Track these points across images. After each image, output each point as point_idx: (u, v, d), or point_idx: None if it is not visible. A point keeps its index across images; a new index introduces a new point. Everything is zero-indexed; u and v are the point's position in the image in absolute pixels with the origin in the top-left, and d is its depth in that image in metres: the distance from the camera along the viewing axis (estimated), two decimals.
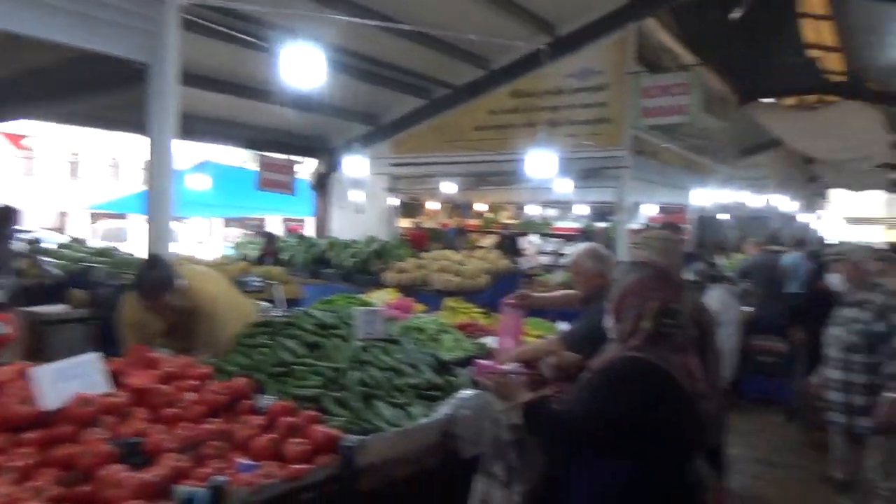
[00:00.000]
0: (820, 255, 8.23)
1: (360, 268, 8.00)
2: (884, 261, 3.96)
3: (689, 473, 1.94)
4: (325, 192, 10.55)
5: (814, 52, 11.04)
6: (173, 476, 1.78)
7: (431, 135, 9.55)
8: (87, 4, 3.59)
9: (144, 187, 4.24)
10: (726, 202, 12.65)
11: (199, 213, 15.17)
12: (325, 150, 10.24)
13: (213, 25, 5.72)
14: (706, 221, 14.64)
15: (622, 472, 1.85)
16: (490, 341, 3.68)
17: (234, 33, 6.04)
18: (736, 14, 7.89)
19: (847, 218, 30.79)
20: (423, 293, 6.92)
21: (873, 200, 27.62)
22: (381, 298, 4.99)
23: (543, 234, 12.66)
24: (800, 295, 6.98)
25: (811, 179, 19.05)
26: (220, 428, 2.11)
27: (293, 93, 5.17)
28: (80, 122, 8.36)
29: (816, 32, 10.49)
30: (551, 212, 14.06)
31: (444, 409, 2.52)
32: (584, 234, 11.25)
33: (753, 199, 13.26)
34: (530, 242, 12.42)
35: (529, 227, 13.07)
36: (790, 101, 13.38)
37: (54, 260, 5.88)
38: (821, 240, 16.84)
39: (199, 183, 10.03)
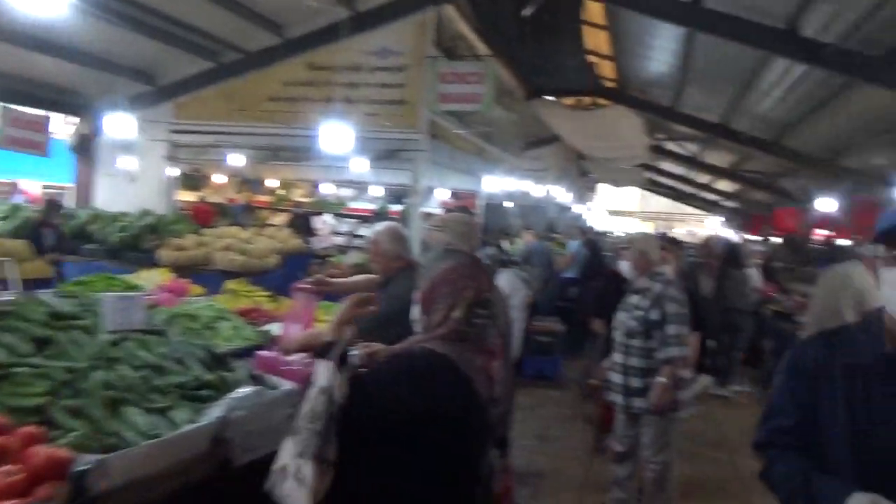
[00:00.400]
0: (597, 244, 8.99)
1: (131, 244, 7.10)
2: (666, 250, 4.29)
3: (474, 468, 1.83)
4: (88, 156, 9.21)
5: (592, 58, 12.06)
6: None
7: (219, 101, 8.78)
8: None
9: None
10: (511, 190, 13.41)
11: None
12: (88, 107, 8.93)
13: None
14: (493, 208, 15.48)
15: (407, 466, 1.68)
16: (276, 328, 3.36)
17: None
18: (528, 10, 8.24)
19: (610, 210, 34.77)
20: (205, 274, 6.34)
21: (631, 196, 31.38)
22: (152, 279, 4.38)
23: (338, 215, 12.39)
24: (577, 280, 7.56)
25: (583, 174, 21.00)
26: None
27: (42, 32, 4.30)
28: None
29: (595, 40, 11.47)
30: (347, 191, 13.80)
31: (215, 412, 2.18)
32: (378, 216, 11.19)
33: (534, 189, 14.21)
34: (324, 222, 12.07)
35: (324, 206, 12.69)
36: (569, 100, 14.53)
37: None
38: (592, 229, 18.69)
39: None
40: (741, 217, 23.21)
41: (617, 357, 3.76)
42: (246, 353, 2.92)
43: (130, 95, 8.41)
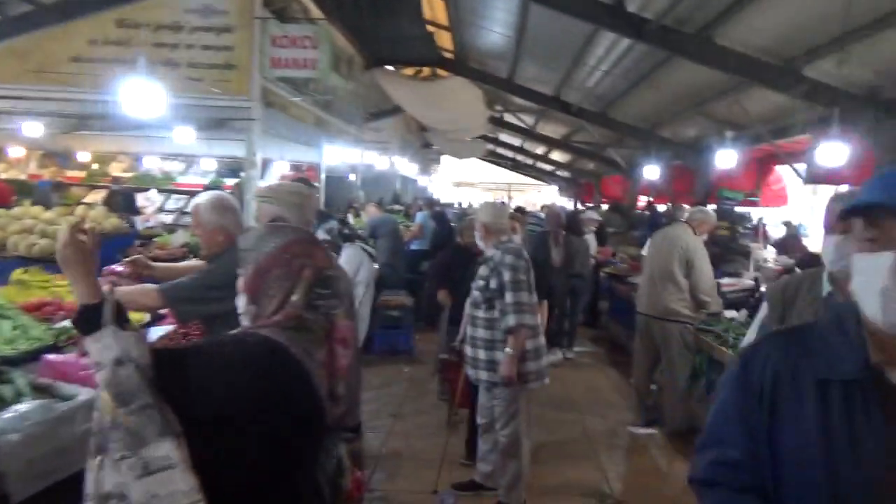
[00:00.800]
0: (444, 215, 8.94)
1: None
2: (513, 219, 4.22)
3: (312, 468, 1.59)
4: None
5: (431, 28, 11.92)
6: None
7: (9, 61, 7.53)
8: None
9: None
10: (355, 162, 13.05)
11: None
12: None
13: None
14: (336, 180, 15.02)
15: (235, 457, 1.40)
16: None
17: None
18: None
19: (454, 182, 35.42)
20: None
21: (474, 167, 32.10)
22: None
23: (165, 190, 11.29)
24: (427, 252, 7.45)
25: (426, 145, 21.06)
26: None
27: None
28: None
29: (432, 9, 11.32)
30: (175, 165, 12.64)
31: None
32: (210, 191, 10.33)
33: (378, 161, 13.96)
34: (149, 199, 10.95)
35: (147, 181, 11.50)
36: (409, 70, 14.37)
37: None
38: (438, 200, 18.81)
39: None
40: (574, 186, 24.63)
41: (467, 329, 3.67)
42: (33, 357, 2.41)
43: None
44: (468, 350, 3.68)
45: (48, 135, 8.58)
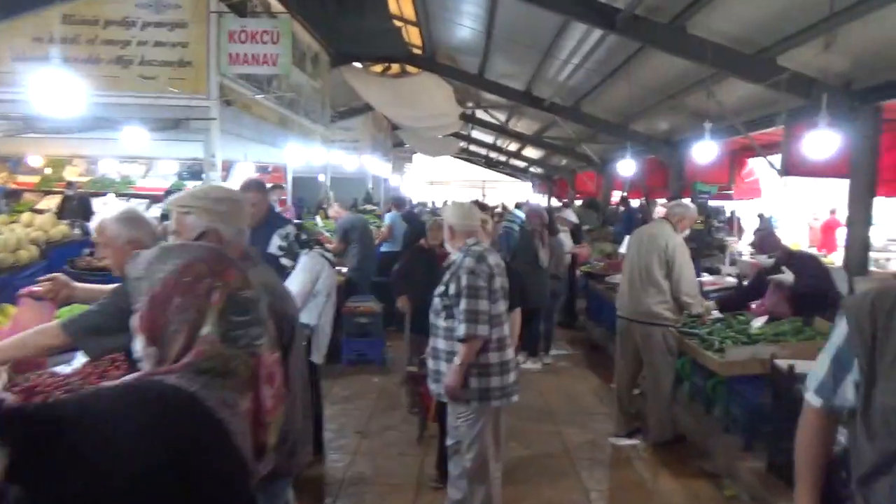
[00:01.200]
0: (416, 215, 8.64)
1: None
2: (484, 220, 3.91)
3: None
4: None
5: (398, 22, 11.61)
6: None
7: None
8: None
9: None
10: (324, 163, 12.69)
11: None
12: None
13: None
14: (305, 182, 14.65)
15: None
16: None
17: None
18: None
19: (428, 181, 35.11)
20: None
21: (447, 165, 31.82)
22: None
23: (123, 195, 10.81)
24: (397, 254, 7.14)
25: (398, 144, 20.75)
26: None
27: None
28: None
29: (398, 4, 11.02)
30: (135, 168, 12.16)
31: None
32: (171, 195, 9.91)
33: (348, 161, 13.62)
34: (106, 204, 10.48)
35: (105, 185, 11.01)
36: (377, 67, 14.05)
37: None
38: (410, 200, 18.50)
39: None
40: (548, 182, 24.49)
41: (431, 339, 3.37)
42: None
43: None
44: (430, 362, 3.39)
45: None
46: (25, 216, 6.89)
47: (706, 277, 5.96)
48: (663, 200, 10.53)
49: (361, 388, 5.93)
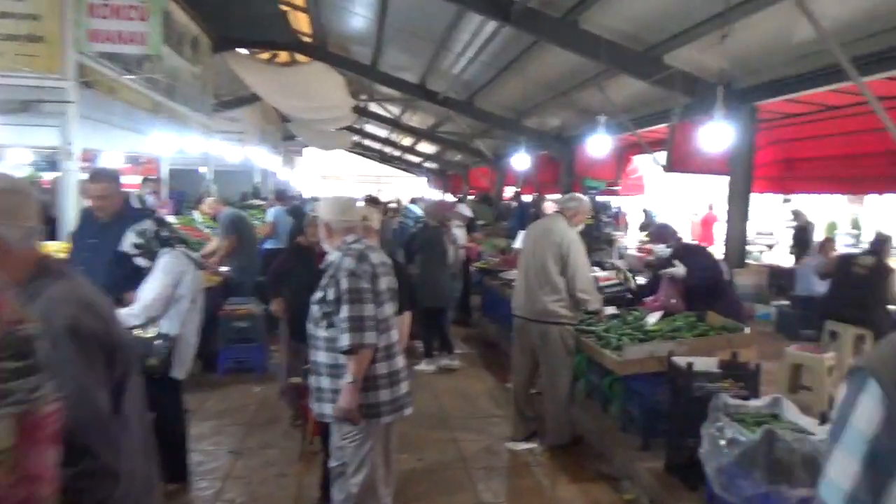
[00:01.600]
0: (303, 210, 8.13)
1: None
2: (366, 219, 3.54)
3: None
4: None
5: (285, 7, 11.00)
6: None
7: None
8: None
9: None
10: (207, 154, 11.86)
11: None
12: None
13: None
14: (185, 174, 13.66)
15: None
16: None
17: None
18: None
19: (321, 175, 34.16)
20: None
21: (342, 159, 31.07)
22: None
23: None
24: (281, 251, 6.62)
25: (288, 137, 19.92)
26: None
27: None
28: None
29: None
30: None
31: None
32: None
33: (233, 153, 12.81)
34: None
35: None
36: (265, 55, 13.32)
37: None
38: (299, 194, 17.77)
39: None
40: (442, 177, 24.46)
41: (311, 352, 2.98)
42: None
43: None
44: (311, 379, 2.98)
45: None
46: None
47: (600, 273, 5.93)
48: (555, 196, 10.62)
49: (240, 399, 5.38)
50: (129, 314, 3.17)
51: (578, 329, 4.58)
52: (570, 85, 9.28)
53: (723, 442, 2.86)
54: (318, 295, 2.84)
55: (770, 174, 9.32)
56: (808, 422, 2.98)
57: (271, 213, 9.12)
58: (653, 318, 4.57)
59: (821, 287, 6.65)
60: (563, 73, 8.94)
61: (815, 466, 2.61)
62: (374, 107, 16.65)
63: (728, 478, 2.84)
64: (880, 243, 6.10)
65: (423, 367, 6.48)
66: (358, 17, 10.20)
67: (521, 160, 11.83)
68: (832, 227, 16.87)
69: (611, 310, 4.94)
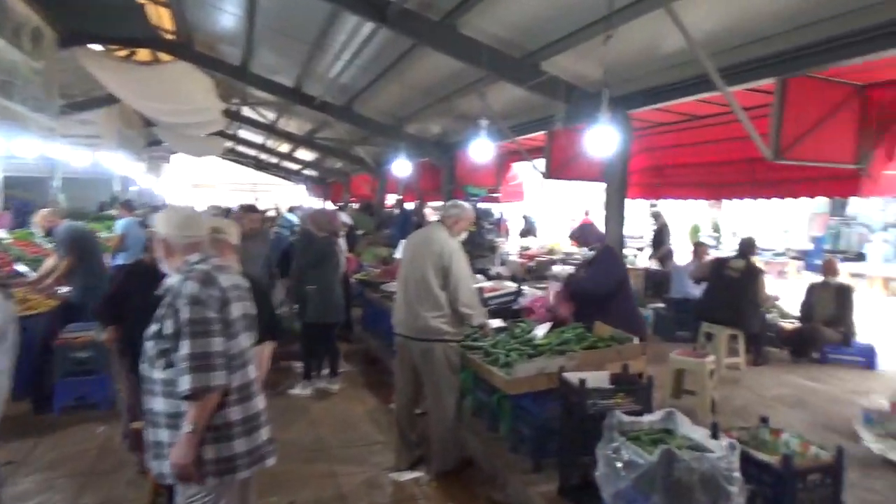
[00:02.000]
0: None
1: None
2: (220, 232, 3.06)
3: None
4: None
5: (142, 0, 10.07)
6: None
7: None
8: None
9: None
10: (51, 160, 10.62)
11: None
12: None
13: None
14: (27, 182, 12.22)
15: None
16: None
17: None
18: None
19: (192, 183, 32.16)
20: None
21: (215, 166, 29.39)
22: None
23: None
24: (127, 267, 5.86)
25: (154, 142, 18.48)
26: None
27: None
28: None
29: None
30: None
31: None
32: None
33: (78, 157, 11.57)
34: None
35: None
36: (122, 52, 12.19)
37: None
38: (164, 201, 16.50)
39: None
40: (323, 185, 23.74)
41: (145, 399, 2.42)
42: None
43: None
44: (148, 432, 2.44)
45: None
46: None
47: (486, 284, 5.73)
48: (437, 203, 10.44)
49: (78, 444, 4.60)
50: None
51: (464, 345, 4.32)
52: (450, 90, 9.13)
53: (619, 464, 2.68)
54: (152, 328, 2.33)
55: (642, 181, 9.64)
56: (701, 434, 2.87)
57: (120, 225, 8.20)
58: (541, 331, 4.40)
59: (695, 290, 6.85)
60: (442, 78, 8.76)
61: (715, 486, 2.49)
62: (247, 111, 15.77)
63: (626, 502, 2.66)
64: (748, 246, 6.35)
65: (299, 391, 5.98)
66: (226, 14, 9.49)
67: (401, 167, 11.57)
68: (696, 229, 17.98)
69: (497, 322, 4.72)
